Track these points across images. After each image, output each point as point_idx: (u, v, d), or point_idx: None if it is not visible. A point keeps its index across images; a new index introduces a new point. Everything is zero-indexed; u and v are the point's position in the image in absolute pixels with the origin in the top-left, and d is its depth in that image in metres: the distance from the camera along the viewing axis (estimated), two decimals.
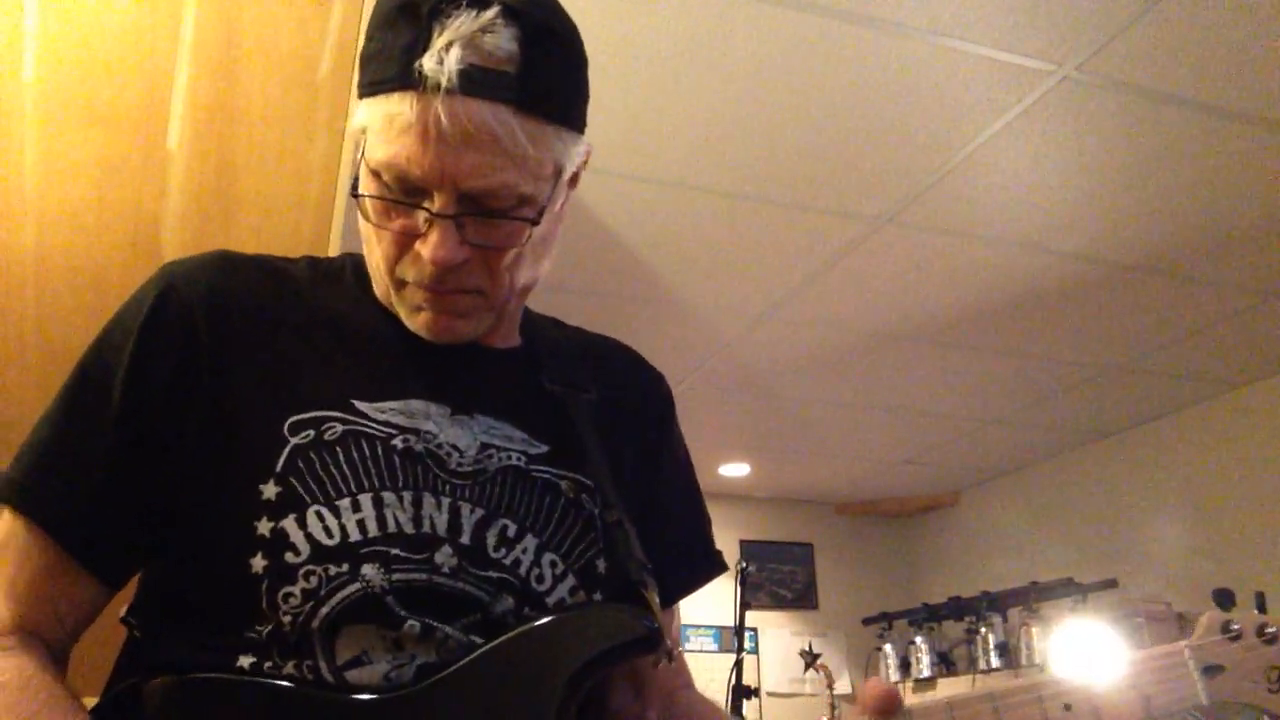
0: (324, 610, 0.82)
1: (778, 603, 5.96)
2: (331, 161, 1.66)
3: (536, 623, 0.86)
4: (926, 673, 5.17)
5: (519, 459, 0.93)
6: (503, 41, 0.82)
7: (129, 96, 1.59)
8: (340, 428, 0.87)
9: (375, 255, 0.91)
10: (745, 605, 3.28)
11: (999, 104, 2.54)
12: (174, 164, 1.61)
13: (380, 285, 0.94)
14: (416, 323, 0.92)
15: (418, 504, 0.87)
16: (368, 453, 0.87)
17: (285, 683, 0.81)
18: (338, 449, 0.86)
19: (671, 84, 2.46)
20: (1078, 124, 2.61)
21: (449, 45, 0.80)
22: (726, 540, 5.89)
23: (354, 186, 0.88)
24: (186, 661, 0.82)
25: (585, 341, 1.11)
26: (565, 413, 0.98)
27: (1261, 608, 0.82)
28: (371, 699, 0.81)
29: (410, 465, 0.88)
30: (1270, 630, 0.80)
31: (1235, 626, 0.81)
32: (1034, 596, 4.76)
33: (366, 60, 0.86)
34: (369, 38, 0.86)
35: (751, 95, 2.51)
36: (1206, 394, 4.42)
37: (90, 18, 1.58)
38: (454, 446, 0.91)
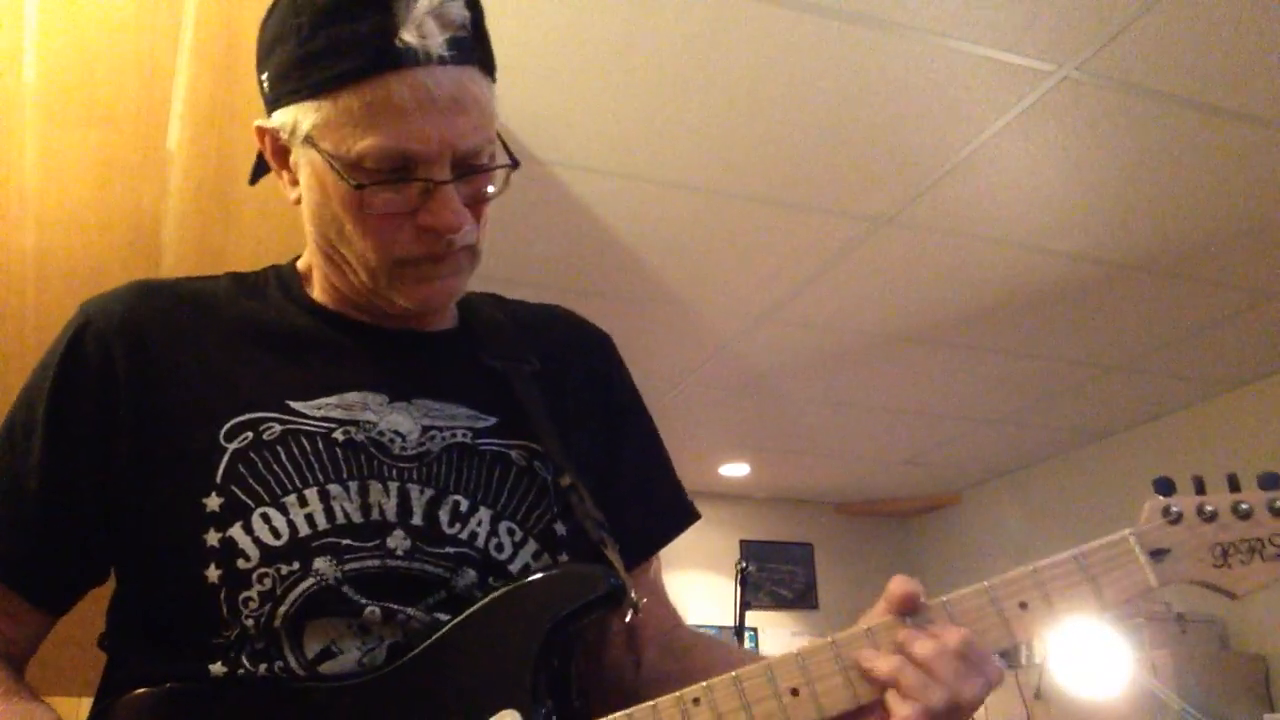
0: (283, 609, 0.82)
1: (778, 603, 5.96)
2: None
3: (501, 590, 0.86)
4: None
5: (465, 435, 0.93)
6: (458, 9, 0.85)
7: (129, 96, 1.59)
8: (278, 428, 0.88)
9: (360, 246, 0.89)
10: (745, 605, 3.27)
11: (999, 104, 2.54)
12: (174, 164, 1.61)
13: (363, 276, 0.91)
14: (416, 297, 0.92)
15: (364, 493, 0.87)
16: (309, 448, 0.87)
17: (260, 681, 0.81)
18: (278, 448, 0.87)
19: (671, 84, 2.46)
20: (1078, 124, 2.61)
21: (425, 18, 0.82)
22: (726, 540, 5.90)
23: (345, 178, 0.85)
24: (159, 674, 0.83)
25: (525, 313, 1.11)
26: (508, 385, 0.98)
27: (1200, 490, 0.84)
28: (349, 684, 0.82)
29: (353, 455, 0.88)
30: (1209, 509, 0.83)
31: (1176, 509, 0.83)
32: None
33: (312, 58, 0.84)
34: (306, 38, 0.85)
35: (751, 95, 2.51)
36: (1206, 394, 4.42)
37: (90, 18, 1.58)
38: (396, 432, 0.91)
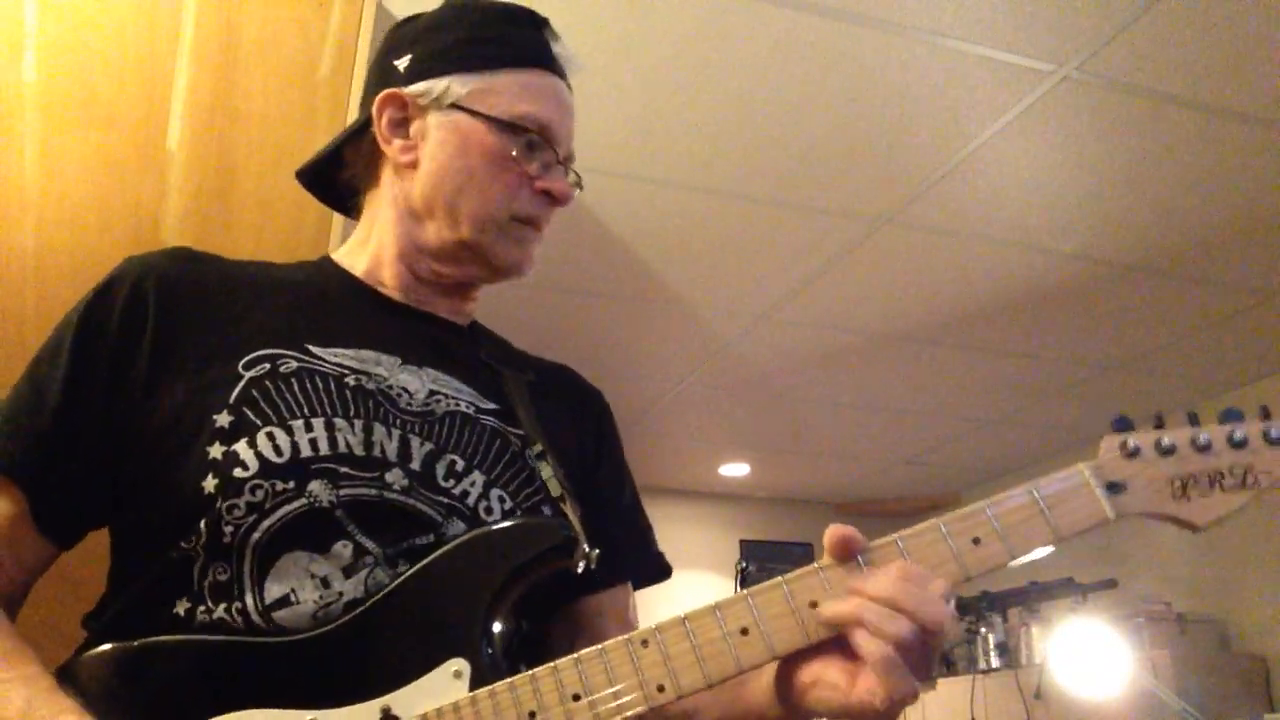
0: (266, 523, 0.85)
1: None
2: None
3: (453, 544, 0.88)
4: None
5: (468, 407, 0.99)
6: (573, 63, 1.09)
7: (129, 96, 1.59)
8: (295, 364, 0.93)
9: (481, 198, 1.01)
10: None
11: (999, 104, 2.54)
12: (174, 164, 1.61)
13: (467, 231, 1.02)
14: (513, 257, 1.04)
15: (368, 431, 0.91)
16: (320, 385, 0.93)
17: (214, 637, 0.83)
18: (292, 380, 0.92)
19: (671, 84, 2.46)
20: (1078, 124, 2.61)
21: (564, 50, 1.08)
22: (726, 540, 5.89)
23: (502, 124, 1.01)
24: (122, 625, 0.85)
25: (527, 355, 1.18)
26: (501, 383, 1.05)
27: (1160, 427, 0.84)
28: (300, 638, 0.83)
29: (362, 399, 0.93)
30: (1167, 442, 0.82)
31: (1133, 444, 0.82)
32: (1034, 596, 4.75)
33: (486, 41, 1.04)
34: (479, 25, 1.05)
35: (751, 95, 2.51)
36: (1207, 394, 4.42)
37: (90, 18, 1.58)
38: (404, 389, 0.97)
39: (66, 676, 0.85)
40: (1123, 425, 0.84)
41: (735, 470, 5.58)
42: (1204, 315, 3.66)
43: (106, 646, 0.85)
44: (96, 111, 1.57)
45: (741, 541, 5.99)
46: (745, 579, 3.29)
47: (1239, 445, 0.82)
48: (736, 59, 2.38)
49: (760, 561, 5.95)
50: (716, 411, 4.70)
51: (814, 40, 2.32)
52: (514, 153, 1.01)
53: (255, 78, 1.63)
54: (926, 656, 0.77)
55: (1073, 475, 0.83)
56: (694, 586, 5.67)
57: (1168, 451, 0.82)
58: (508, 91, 1.02)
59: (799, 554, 6.17)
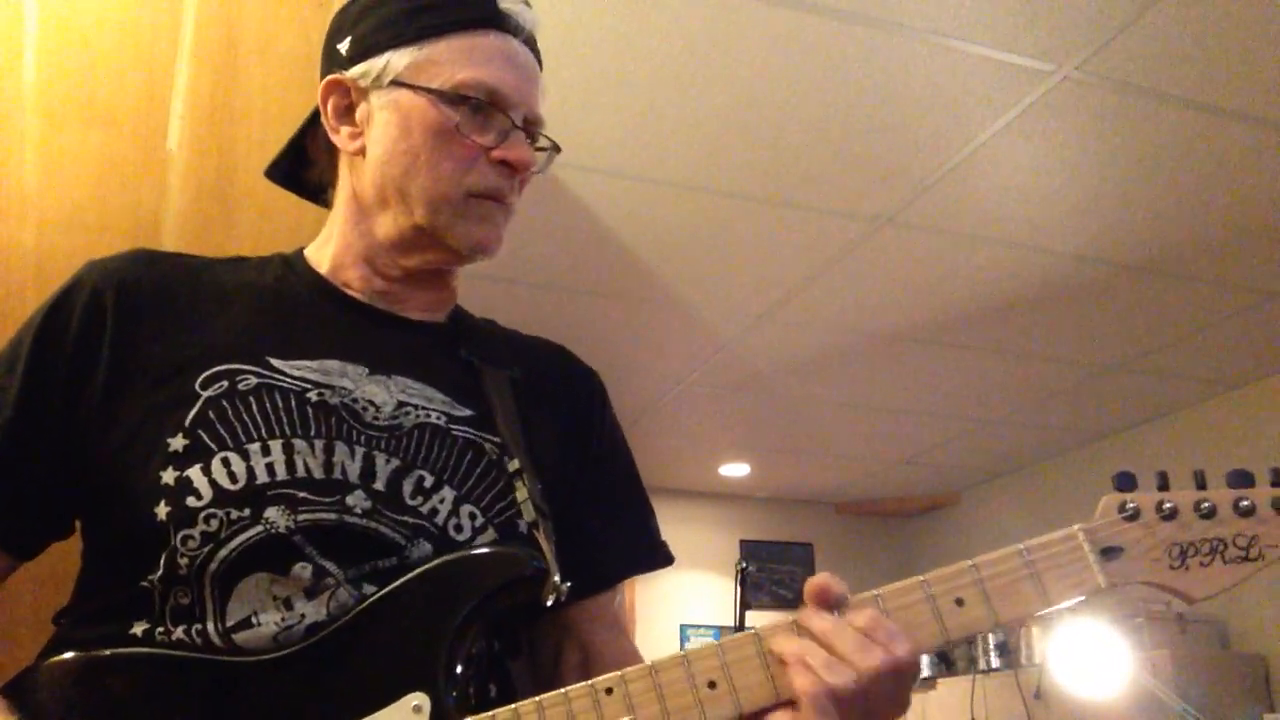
0: (222, 553, 0.82)
1: (778, 603, 5.96)
2: None
3: (421, 570, 0.85)
4: (926, 672, 5.16)
5: (439, 418, 0.95)
6: (531, 18, 1.02)
7: (129, 96, 1.59)
8: (254, 380, 0.90)
9: (432, 177, 0.95)
10: (745, 605, 3.27)
11: (999, 104, 2.54)
12: (174, 164, 1.61)
13: (421, 215, 0.96)
14: (476, 236, 0.97)
15: (329, 451, 0.88)
16: (280, 403, 0.89)
17: (173, 651, 0.82)
18: (250, 399, 0.88)
19: (671, 84, 2.46)
20: (1078, 124, 2.61)
21: (516, 3, 0.99)
22: (726, 540, 5.90)
23: (444, 96, 0.94)
24: (82, 637, 0.84)
25: (516, 335, 1.13)
26: (481, 382, 1.00)
27: (1164, 486, 0.78)
28: (259, 660, 0.81)
29: (324, 416, 0.89)
30: (1169, 506, 0.77)
31: (1132, 505, 0.77)
32: None
33: (422, 10, 0.97)
34: None
35: (751, 95, 2.51)
36: (1206, 394, 4.42)
37: (90, 18, 1.58)
38: (370, 402, 0.92)
39: (21, 686, 0.83)
40: (1125, 483, 0.79)
41: (735, 470, 5.58)
42: (1204, 315, 3.66)
43: (65, 655, 0.83)
44: (96, 111, 1.57)
45: (741, 541, 5.99)
46: (745, 579, 3.29)
47: (1246, 513, 0.77)
48: (736, 59, 2.38)
49: (760, 561, 5.96)
50: (716, 411, 4.70)
51: (814, 40, 2.32)
52: (458, 123, 0.94)
53: (255, 78, 1.63)
54: (869, 714, 0.74)
55: (1066, 538, 0.78)
56: (694, 586, 5.69)
57: (1169, 515, 0.77)
58: (447, 59, 0.95)
59: (799, 554, 6.17)
